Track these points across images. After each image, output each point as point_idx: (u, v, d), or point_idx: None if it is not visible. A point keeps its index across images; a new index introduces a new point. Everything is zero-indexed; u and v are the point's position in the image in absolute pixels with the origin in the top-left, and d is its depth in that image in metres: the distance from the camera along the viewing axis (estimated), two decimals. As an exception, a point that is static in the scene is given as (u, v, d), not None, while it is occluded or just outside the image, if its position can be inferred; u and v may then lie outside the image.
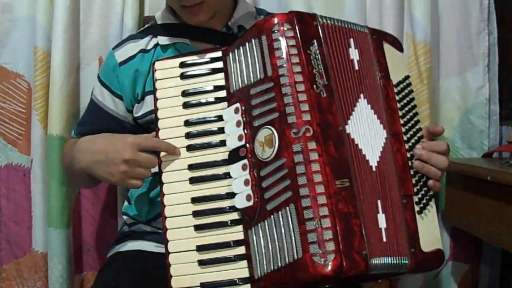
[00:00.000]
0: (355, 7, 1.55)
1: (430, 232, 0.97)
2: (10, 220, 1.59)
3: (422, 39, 1.54)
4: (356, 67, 0.98)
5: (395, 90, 1.03)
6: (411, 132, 1.01)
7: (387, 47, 1.06)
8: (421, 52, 1.54)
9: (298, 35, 0.92)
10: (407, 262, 0.92)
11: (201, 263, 0.92)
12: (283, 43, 0.91)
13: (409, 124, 1.02)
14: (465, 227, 1.45)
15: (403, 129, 1.00)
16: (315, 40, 0.94)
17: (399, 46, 1.09)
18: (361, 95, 0.97)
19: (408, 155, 0.99)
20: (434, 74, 1.58)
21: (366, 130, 0.95)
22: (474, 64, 1.56)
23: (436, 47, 1.57)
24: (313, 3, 1.56)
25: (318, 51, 0.93)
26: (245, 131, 0.94)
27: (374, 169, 0.94)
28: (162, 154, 0.99)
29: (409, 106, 1.04)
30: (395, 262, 0.90)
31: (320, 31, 0.95)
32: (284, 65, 0.90)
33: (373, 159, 0.94)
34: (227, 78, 1.00)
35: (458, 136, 1.58)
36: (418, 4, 1.54)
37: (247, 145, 0.93)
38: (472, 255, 1.62)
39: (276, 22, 0.93)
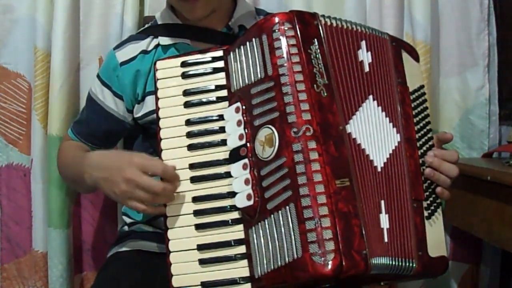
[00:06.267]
0: (355, 7, 1.55)
1: (436, 239, 0.97)
2: (11, 220, 1.59)
3: (422, 39, 1.55)
4: (367, 69, 0.98)
5: (411, 97, 1.03)
6: (423, 140, 1.01)
7: (405, 56, 1.06)
8: (421, 52, 1.54)
9: (299, 35, 0.92)
10: (414, 265, 0.92)
11: (202, 262, 0.92)
12: (283, 42, 0.91)
13: (422, 132, 1.02)
14: (465, 227, 1.45)
15: (416, 136, 1.00)
16: (315, 39, 0.93)
17: (416, 57, 1.10)
18: (370, 97, 0.97)
19: (420, 161, 0.99)
20: (434, 74, 1.59)
21: (372, 131, 0.95)
22: (474, 64, 1.57)
23: (436, 47, 1.58)
24: (313, 3, 1.57)
25: (318, 50, 0.93)
26: (246, 131, 0.93)
27: (379, 169, 0.94)
28: (163, 154, 0.97)
29: (423, 115, 1.04)
30: (400, 264, 0.91)
31: (321, 30, 0.95)
32: (285, 65, 0.90)
33: (379, 160, 0.94)
34: (228, 77, 0.99)
35: (458, 136, 1.58)
36: (418, 4, 1.54)
37: (248, 144, 0.92)
38: (472, 255, 1.62)
39: (276, 21, 0.92)
